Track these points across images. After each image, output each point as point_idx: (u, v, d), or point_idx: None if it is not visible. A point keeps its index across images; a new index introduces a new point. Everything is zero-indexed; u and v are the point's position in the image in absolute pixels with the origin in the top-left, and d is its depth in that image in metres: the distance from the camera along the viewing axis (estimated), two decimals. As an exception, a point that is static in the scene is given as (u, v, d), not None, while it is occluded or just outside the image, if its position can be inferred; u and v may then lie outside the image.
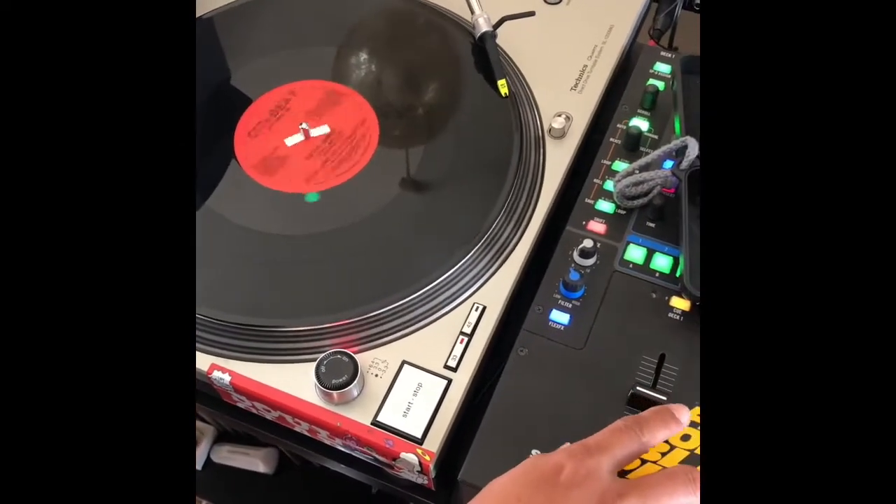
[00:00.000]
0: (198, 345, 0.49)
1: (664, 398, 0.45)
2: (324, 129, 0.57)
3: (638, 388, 0.45)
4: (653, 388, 0.46)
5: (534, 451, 0.45)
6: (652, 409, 0.40)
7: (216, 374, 0.48)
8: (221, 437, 0.79)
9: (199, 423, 0.76)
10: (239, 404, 0.51)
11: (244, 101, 0.59)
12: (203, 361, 0.49)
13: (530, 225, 0.53)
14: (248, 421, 0.52)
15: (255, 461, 0.77)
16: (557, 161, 0.56)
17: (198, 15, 0.64)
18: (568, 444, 0.40)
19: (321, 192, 0.54)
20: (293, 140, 0.57)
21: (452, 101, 0.58)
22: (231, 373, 0.48)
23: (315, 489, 0.79)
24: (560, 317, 0.49)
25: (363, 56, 0.62)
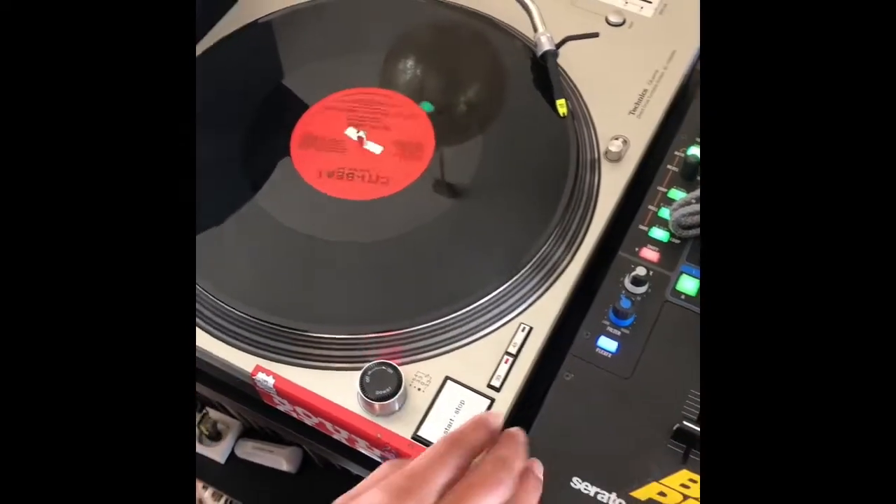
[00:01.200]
0: (243, 345, 0.49)
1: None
2: (377, 148, 0.57)
3: (684, 422, 0.45)
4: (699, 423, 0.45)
5: (574, 479, 0.45)
6: (467, 422, 0.40)
7: (260, 376, 0.48)
8: (247, 433, 0.79)
9: (225, 418, 0.77)
10: (280, 407, 0.51)
11: (302, 105, 0.59)
12: (248, 362, 0.49)
13: (581, 248, 0.53)
14: (285, 424, 0.52)
15: (279, 459, 0.77)
16: (612, 184, 0.55)
17: (255, 19, 0.64)
18: (385, 466, 0.39)
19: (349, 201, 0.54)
20: (354, 148, 0.57)
21: (509, 117, 0.58)
22: (275, 376, 0.48)
23: (338, 491, 0.79)
24: (608, 344, 0.49)
25: (422, 67, 0.62)
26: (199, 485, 0.81)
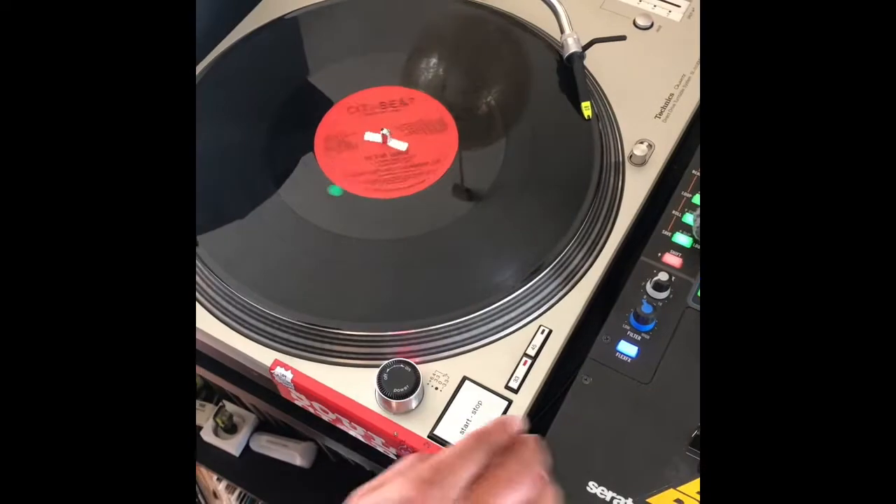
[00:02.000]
0: (263, 339, 0.49)
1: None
2: (402, 146, 0.57)
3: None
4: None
5: (591, 483, 0.44)
6: (491, 421, 0.41)
7: (279, 371, 0.48)
8: (262, 427, 0.80)
9: (240, 411, 0.77)
10: (297, 402, 0.51)
11: (324, 103, 0.59)
12: (267, 357, 0.49)
13: (603, 251, 0.53)
14: (302, 419, 0.53)
15: (293, 454, 0.77)
16: (636, 188, 0.55)
17: (282, 14, 0.64)
18: (411, 457, 0.39)
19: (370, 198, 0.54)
20: (378, 146, 0.57)
21: (534, 118, 0.58)
22: (293, 370, 0.48)
23: (351, 487, 0.79)
24: (628, 349, 0.48)
25: (449, 67, 0.62)
26: (213, 477, 0.81)
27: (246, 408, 0.77)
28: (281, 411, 0.53)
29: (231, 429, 0.76)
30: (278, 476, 0.79)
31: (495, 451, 0.39)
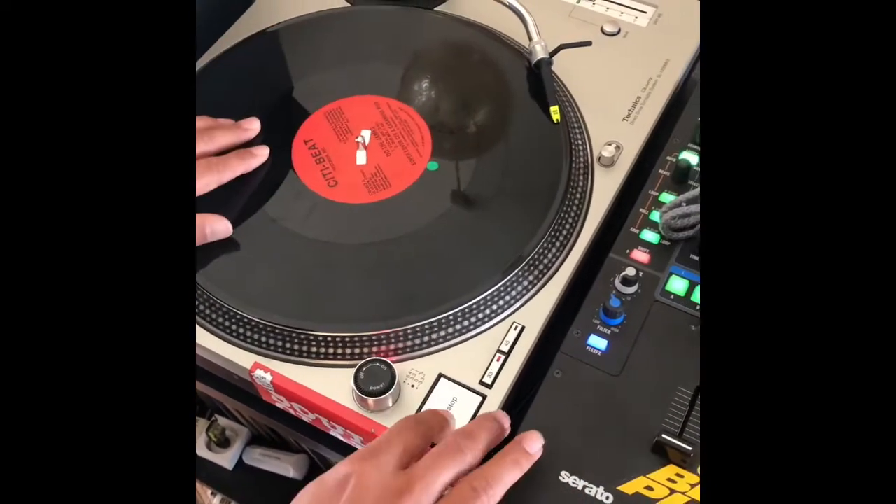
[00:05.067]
0: (242, 343, 0.51)
1: (689, 448, 0.44)
2: (378, 151, 0.59)
3: (664, 435, 0.44)
4: (686, 420, 0.46)
5: (563, 473, 0.45)
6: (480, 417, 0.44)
7: (258, 373, 0.49)
8: (255, 440, 0.81)
9: (233, 424, 0.78)
10: (278, 404, 0.52)
11: (304, 113, 0.61)
12: (246, 360, 0.50)
13: (574, 249, 0.54)
14: (283, 421, 0.54)
15: (286, 466, 0.78)
16: (605, 189, 0.56)
17: (264, 28, 0.66)
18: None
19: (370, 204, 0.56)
20: (352, 153, 0.59)
21: (505, 123, 0.60)
22: (273, 372, 0.49)
23: (342, 498, 0.79)
24: (598, 342, 0.49)
25: (421, 75, 0.63)
26: (207, 491, 0.82)
27: (238, 421, 0.77)
28: (262, 414, 0.54)
29: (224, 443, 0.77)
30: (272, 489, 0.79)
31: (431, 428, 0.43)
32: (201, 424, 0.77)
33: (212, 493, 0.84)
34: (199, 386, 0.56)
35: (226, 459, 0.76)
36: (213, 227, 0.53)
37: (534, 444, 0.44)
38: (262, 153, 0.57)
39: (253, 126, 0.58)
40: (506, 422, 0.45)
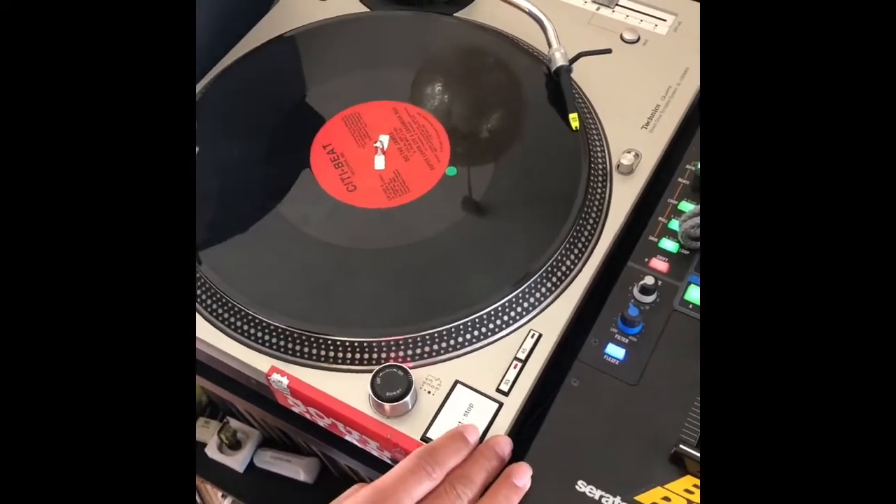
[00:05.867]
0: (259, 346, 0.51)
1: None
2: (396, 157, 0.59)
3: (682, 445, 0.44)
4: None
5: (579, 482, 0.45)
6: (445, 434, 0.44)
7: (275, 377, 0.49)
8: (266, 443, 0.81)
9: (245, 427, 0.78)
10: (294, 408, 0.52)
11: (322, 117, 0.61)
12: (263, 363, 0.50)
13: (592, 257, 0.54)
14: (298, 425, 0.54)
15: (297, 469, 0.78)
16: (623, 197, 0.56)
17: (281, 33, 0.66)
18: (355, 486, 0.42)
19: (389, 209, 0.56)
20: (370, 158, 0.59)
21: (523, 129, 0.59)
22: (289, 376, 0.49)
23: (353, 502, 0.79)
24: (616, 351, 0.49)
25: (439, 81, 0.63)
26: (217, 493, 0.82)
27: (248, 422, 0.78)
28: (277, 418, 0.54)
29: (235, 445, 0.77)
30: (282, 492, 0.79)
31: (445, 465, 0.42)
32: (213, 426, 0.78)
33: (223, 496, 0.84)
34: (212, 387, 0.56)
35: (237, 462, 0.76)
36: None
37: (522, 477, 0.44)
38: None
39: None
40: (505, 448, 0.45)
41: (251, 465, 0.79)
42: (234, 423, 0.77)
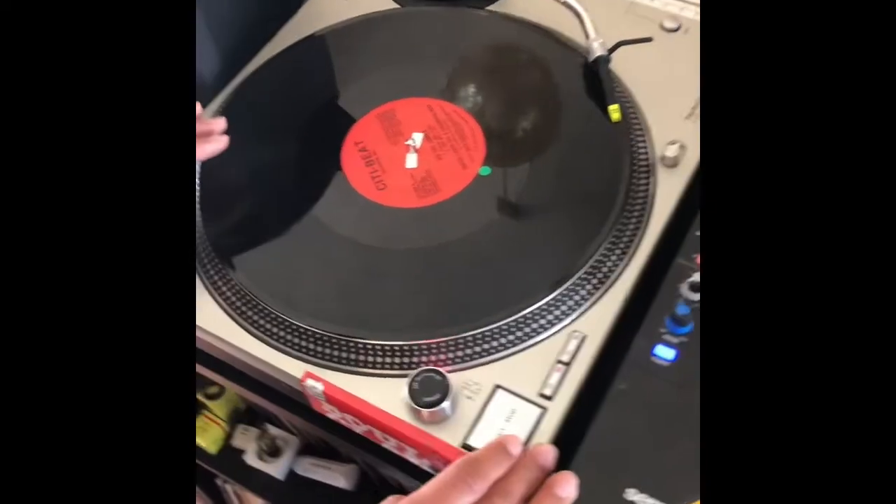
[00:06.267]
0: (293, 351, 0.49)
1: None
2: (430, 154, 0.57)
3: None
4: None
5: (629, 490, 0.43)
6: (488, 445, 0.41)
7: (309, 382, 0.48)
8: (306, 450, 0.80)
9: (283, 434, 0.77)
10: (329, 415, 0.50)
11: (355, 115, 0.60)
12: (297, 369, 0.49)
13: (637, 254, 0.51)
14: (335, 432, 0.52)
15: (337, 476, 0.77)
16: (669, 190, 0.54)
17: (313, 32, 0.65)
18: (390, 499, 0.40)
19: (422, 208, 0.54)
20: (405, 156, 0.57)
21: (561, 124, 0.57)
22: (324, 382, 0.48)
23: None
24: (665, 352, 0.47)
25: (474, 76, 0.62)
26: (258, 501, 0.81)
27: (287, 429, 0.77)
28: (314, 425, 0.53)
29: (274, 452, 0.76)
30: (323, 499, 0.78)
31: (487, 477, 0.40)
32: (252, 434, 0.77)
33: (263, 503, 0.83)
34: (248, 395, 0.55)
35: (276, 469, 0.76)
36: (202, 150, 0.52)
37: (565, 487, 0.40)
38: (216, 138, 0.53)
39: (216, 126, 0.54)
40: (548, 457, 0.42)
41: (291, 473, 0.78)
42: (272, 430, 0.77)
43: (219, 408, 0.76)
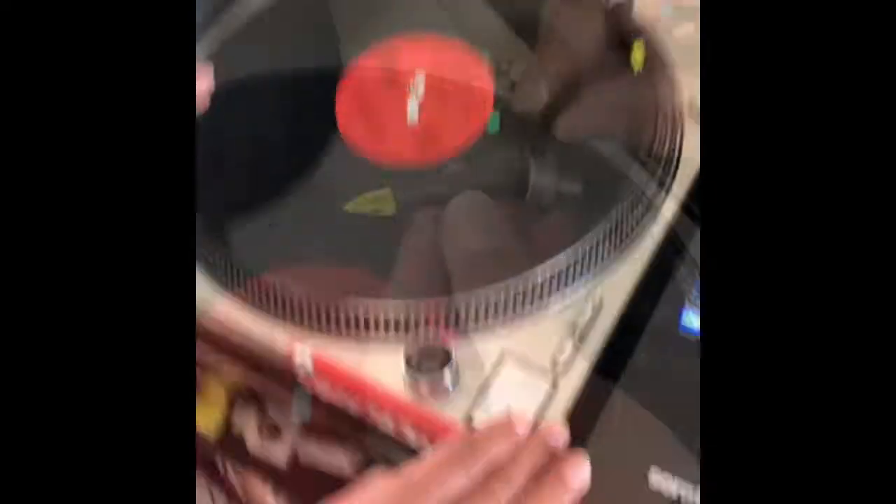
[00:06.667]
0: (280, 319, 0.46)
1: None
2: (429, 108, 0.53)
3: None
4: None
5: (651, 468, 0.39)
6: (491, 421, 0.38)
7: (298, 351, 0.44)
8: (307, 433, 0.77)
9: (283, 417, 0.74)
10: (323, 391, 0.47)
11: (352, 57, 0.56)
12: (284, 337, 0.45)
13: (661, 213, 0.47)
14: (329, 411, 0.49)
15: (341, 460, 0.74)
16: (697, 143, 0.49)
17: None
18: (375, 476, 0.36)
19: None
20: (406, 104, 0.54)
21: (579, 71, 0.53)
22: (313, 352, 0.44)
23: None
24: (692, 321, 0.42)
25: (485, 16, 0.58)
26: (259, 484, 0.79)
27: (286, 410, 0.74)
28: (309, 405, 0.50)
29: (276, 436, 0.74)
30: (326, 484, 0.76)
31: (485, 456, 0.35)
32: (252, 417, 0.74)
33: (265, 488, 0.81)
34: (246, 375, 0.54)
35: (278, 453, 0.73)
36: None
37: (576, 472, 0.35)
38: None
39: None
40: (558, 438, 0.38)
41: (293, 456, 0.75)
42: (272, 413, 0.74)
43: (217, 389, 0.74)
